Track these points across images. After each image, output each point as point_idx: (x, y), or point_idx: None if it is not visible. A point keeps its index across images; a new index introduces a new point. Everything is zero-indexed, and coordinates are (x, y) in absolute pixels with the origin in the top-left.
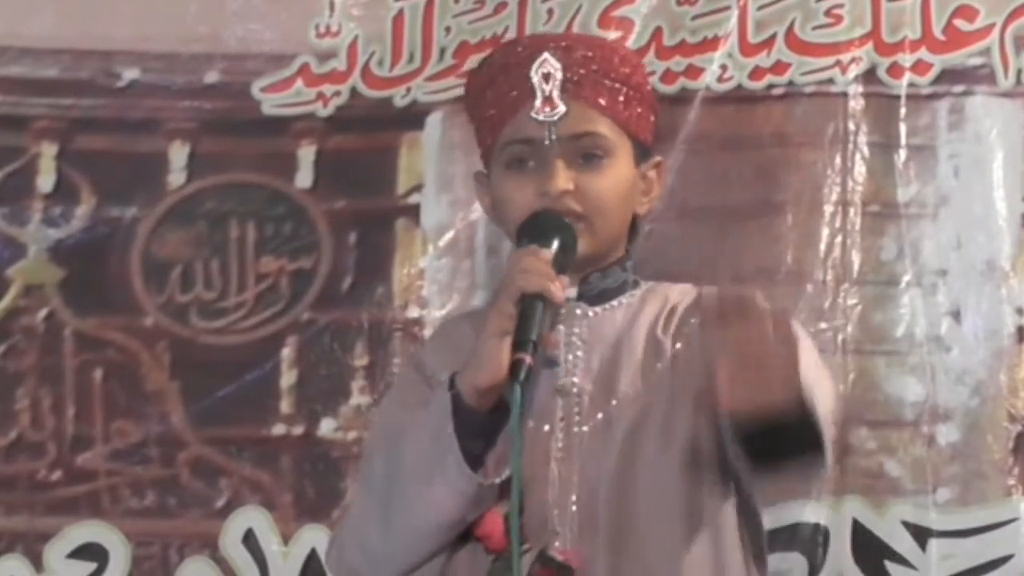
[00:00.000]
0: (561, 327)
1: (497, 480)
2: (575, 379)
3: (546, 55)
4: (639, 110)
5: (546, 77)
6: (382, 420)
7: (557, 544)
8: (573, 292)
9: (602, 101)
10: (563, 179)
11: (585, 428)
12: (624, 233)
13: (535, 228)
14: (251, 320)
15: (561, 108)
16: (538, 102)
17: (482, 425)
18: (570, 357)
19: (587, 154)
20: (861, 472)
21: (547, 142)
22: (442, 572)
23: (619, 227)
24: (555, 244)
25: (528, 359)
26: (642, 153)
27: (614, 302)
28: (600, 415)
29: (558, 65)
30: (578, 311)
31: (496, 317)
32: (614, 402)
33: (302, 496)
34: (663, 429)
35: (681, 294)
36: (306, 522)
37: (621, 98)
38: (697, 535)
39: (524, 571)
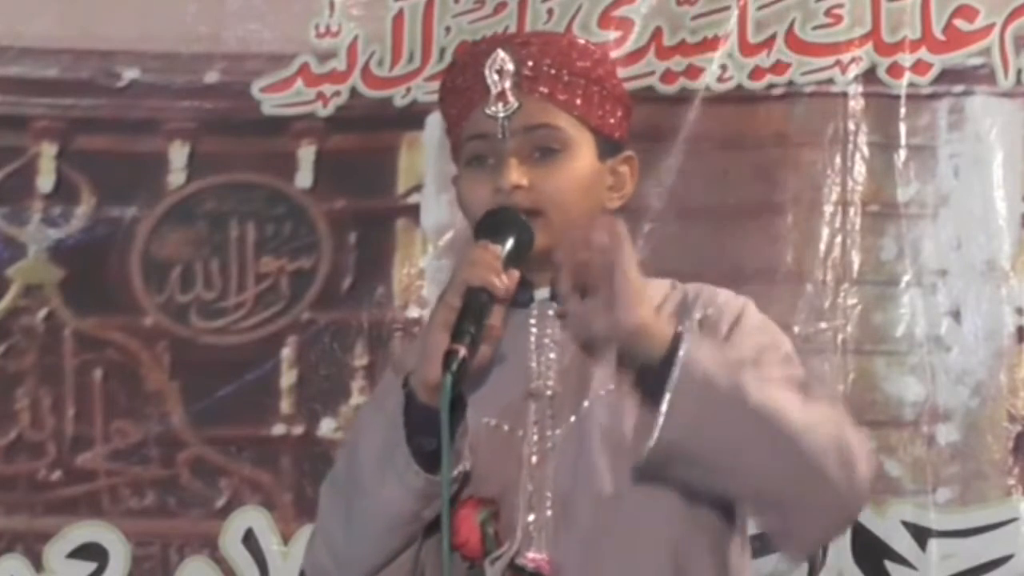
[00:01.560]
0: (533, 329)
1: (451, 474)
2: (548, 381)
3: (500, 51)
4: (600, 103)
5: (500, 73)
6: (356, 421)
7: (532, 549)
8: (546, 292)
9: (558, 95)
10: (516, 174)
11: (558, 431)
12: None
13: (491, 225)
14: (251, 320)
15: (513, 103)
16: (491, 97)
17: (436, 422)
18: (542, 359)
19: (543, 148)
20: None
21: (500, 136)
22: None
23: (581, 221)
24: (510, 242)
25: (461, 350)
26: (609, 148)
27: None
28: (572, 417)
29: (511, 60)
30: (550, 312)
31: (442, 310)
32: (586, 403)
33: (302, 496)
34: (638, 429)
35: (656, 289)
36: (306, 522)
37: (579, 91)
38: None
39: None
